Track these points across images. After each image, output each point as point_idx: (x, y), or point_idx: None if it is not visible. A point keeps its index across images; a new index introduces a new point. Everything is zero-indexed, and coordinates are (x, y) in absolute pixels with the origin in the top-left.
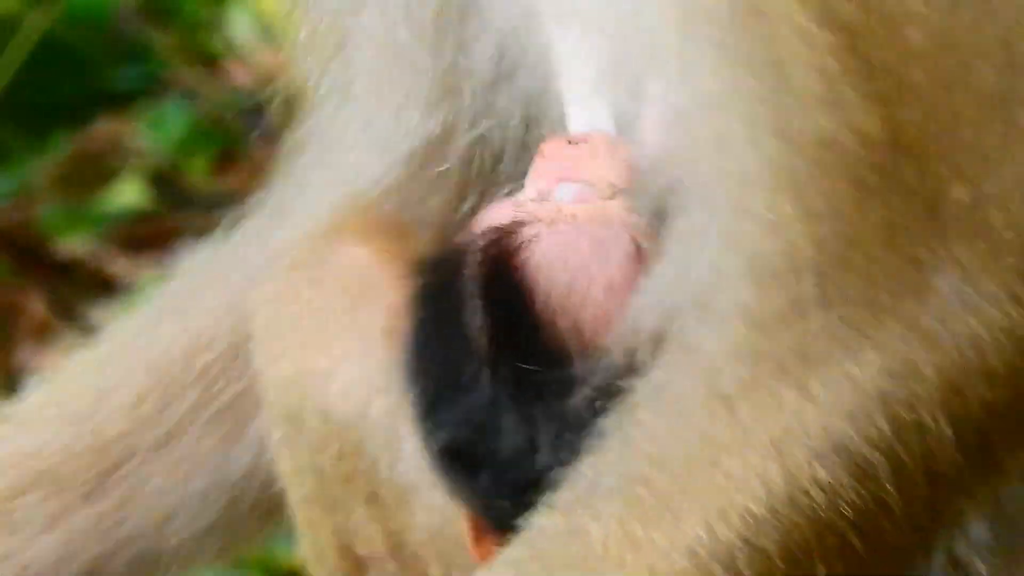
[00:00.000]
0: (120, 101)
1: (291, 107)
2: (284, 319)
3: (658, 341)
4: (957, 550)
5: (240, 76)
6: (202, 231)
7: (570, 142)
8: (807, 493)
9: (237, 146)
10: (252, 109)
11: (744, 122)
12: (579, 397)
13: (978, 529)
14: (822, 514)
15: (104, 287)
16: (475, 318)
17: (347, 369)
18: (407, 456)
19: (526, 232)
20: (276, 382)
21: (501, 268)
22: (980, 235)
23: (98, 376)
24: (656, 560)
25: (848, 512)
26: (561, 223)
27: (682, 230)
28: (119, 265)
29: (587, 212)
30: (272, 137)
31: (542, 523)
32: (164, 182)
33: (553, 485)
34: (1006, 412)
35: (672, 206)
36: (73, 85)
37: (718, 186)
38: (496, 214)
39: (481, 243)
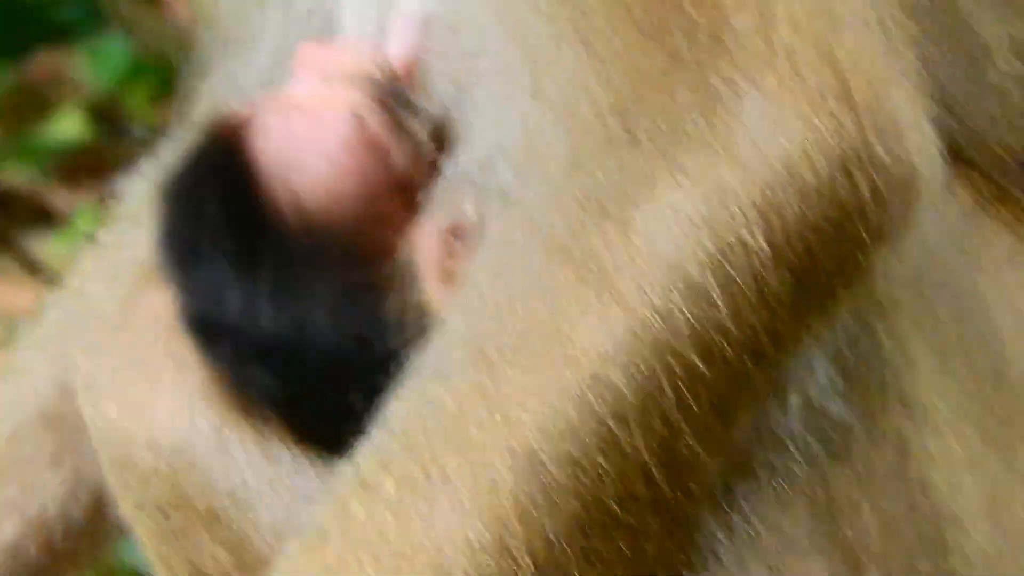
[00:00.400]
0: (61, 34)
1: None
2: (102, 368)
3: (483, 202)
4: (811, 394)
5: (180, 11)
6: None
7: (321, 44)
8: (646, 324)
9: (176, 81)
10: (192, 44)
11: None
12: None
13: (829, 372)
14: (665, 341)
15: (43, 218)
16: (210, 201)
17: (167, 396)
18: (239, 461)
19: (256, 120)
20: (102, 428)
21: (233, 153)
22: (775, 56)
23: (75, 306)
24: (509, 409)
25: (689, 337)
26: (285, 110)
27: (481, 97)
28: (59, 196)
29: (313, 98)
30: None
31: (394, 405)
32: (104, 115)
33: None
34: (828, 229)
35: (453, 88)
36: (13, 18)
37: (506, 50)
38: (251, 102)
39: (216, 132)
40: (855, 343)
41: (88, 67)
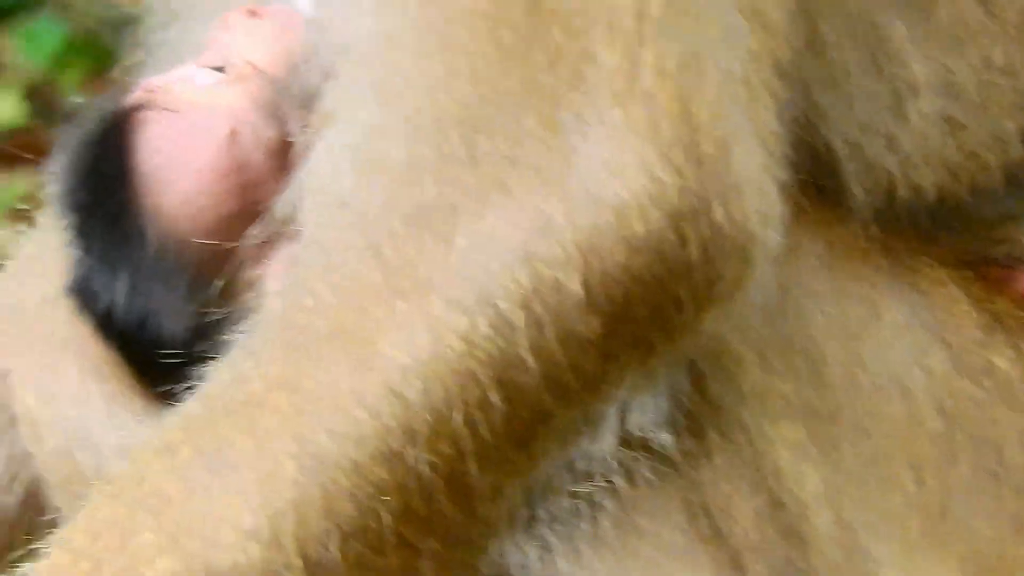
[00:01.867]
0: None
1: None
2: (20, 360)
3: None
4: (630, 425)
5: None
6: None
7: (252, 14)
8: (448, 344)
9: (111, 61)
10: (126, 24)
11: None
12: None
13: (658, 404)
14: (464, 367)
15: None
16: (92, 189)
17: (68, 377)
18: (130, 428)
19: (140, 115)
20: (23, 416)
21: (116, 144)
22: (633, 100)
23: (11, 292)
24: (305, 402)
25: (488, 366)
26: (168, 109)
27: (337, 97)
28: None
29: (197, 98)
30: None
31: (211, 376)
32: (38, 96)
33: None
34: (650, 283)
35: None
36: None
37: (370, 50)
38: (140, 88)
39: (105, 120)
40: (686, 371)
41: (22, 48)
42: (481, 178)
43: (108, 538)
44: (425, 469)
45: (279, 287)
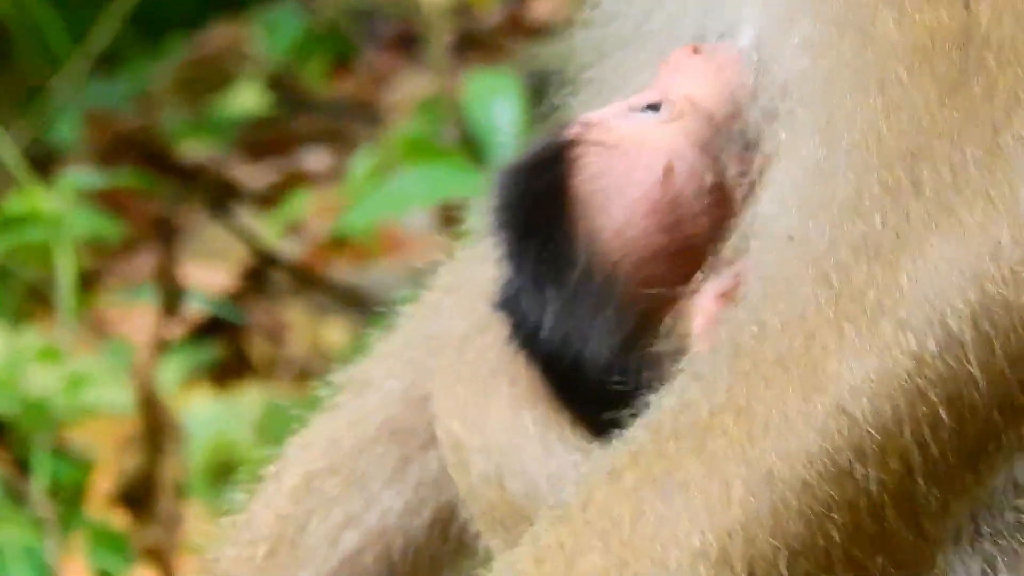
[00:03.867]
0: (235, 6)
1: (402, 11)
2: (447, 388)
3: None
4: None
5: None
6: (320, 136)
7: (696, 51)
8: (898, 363)
9: (351, 51)
10: (365, 14)
11: (830, 26)
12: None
13: None
14: (914, 385)
15: (228, 192)
16: (527, 213)
17: (498, 406)
18: (559, 454)
19: (577, 150)
20: (446, 442)
21: (554, 171)
22: None
23: (430, 321)
24: (754, 426)
25: (938, 385)
26: (605, 143)
27: (779, 137)
28: (241, 171)
29: (634, 134)
30: (385, 42)
31: (655, 401)
32: (281, 88)
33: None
34: None
35: (773, 119)
36: None
37: (809, 90)
38: (584, 120)
39: (541, 157)
40: None
41: (263, 39)
42: (927, 206)
43: (554, 561)
44: (874, 487)
45: (716, 322)
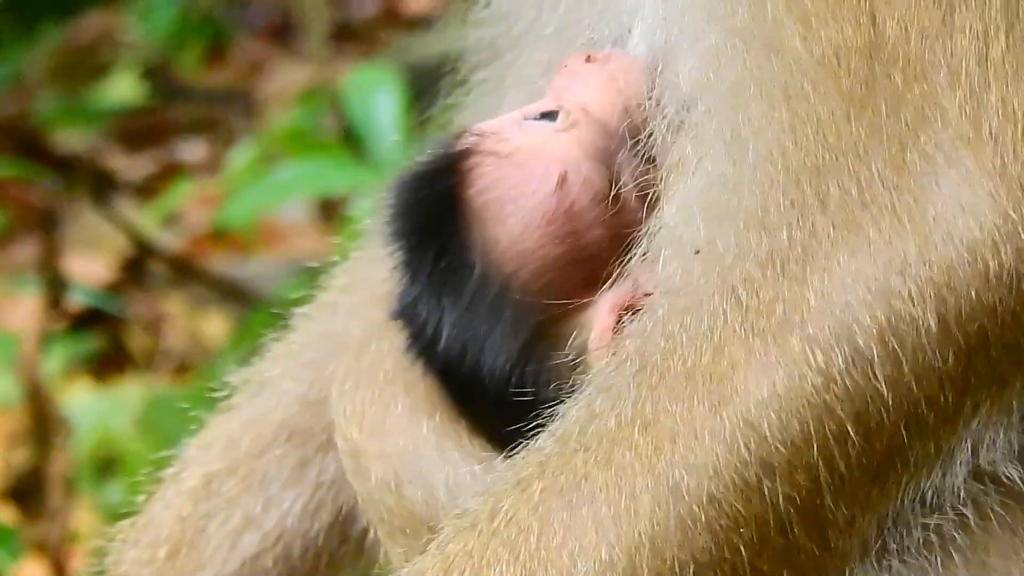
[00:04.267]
0: None
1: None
2: (346, 394)
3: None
4: (982, 459)
5: None
6: (197, 126)
7: (589, 59)
8: (805, 378)
9: (227, 39)
10: (240, 2)
11: (736, 39)
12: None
13: (1009, 438)
14: (821, 401)
15: (106, 183)
16: (422, 221)
17: (395, 411)
18: (455, 461)
19: (471, 160)
20: (344, 449)
21: (448, 181)
22: (980, 140)
23: (327, 322)
24: (662, 439)
25: (845, 402)
26: (499, 153)
27: (685, 148)
28: (118, 161)
29: (529, 144)
30: (260, 30)
31: (565, 413)
32: (156, 76)
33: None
34: (1004, 316)
35: (673, 127)
36: None
37: (715, 102)
38: (478, 130)
39: (437, 166)
40: None
41: (137, 27)
42: (833, 221)
43: (461, 570)
44: (781, 501)
45: (615, 333)
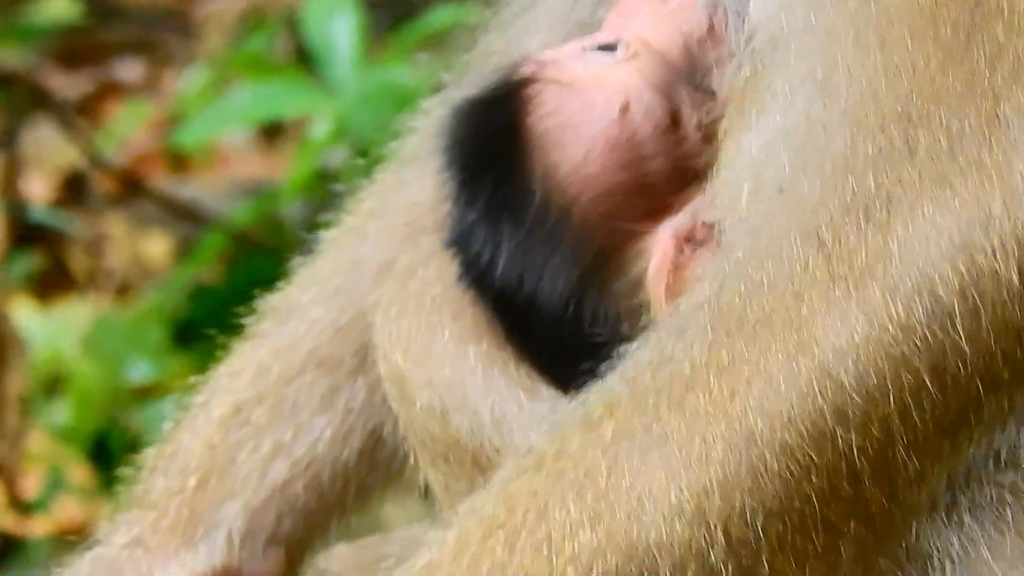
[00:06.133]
0: None
1: None
2: (390, 320)
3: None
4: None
5: None
6: (133, 47)
7: None
8: (885, 328)
9: None
10: None
11: None
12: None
13: None
14: (900, 353)
15: (43, 101)
16: (481, 152)
17: (442, 339)
18: (502, 392)
19: (532, 88)
20: (389, 374)
21: (509, 108)
22: None
23: (354, 247)
24: (737, 384)
25: (924, 353)
26: (561, 84)
27: (772, 86)
28: (55, 80)
29: (591, 73)
30: None
31: (635, 353)
32: None
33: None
34: None
35: (746, 73)
36: None
37: (808, 43)
38: (539, 59)
39: (497, 93)
40: None
41: None
42: (920, 171)
43: (525, 509)
44: (855, 452)
45: (702, 272)
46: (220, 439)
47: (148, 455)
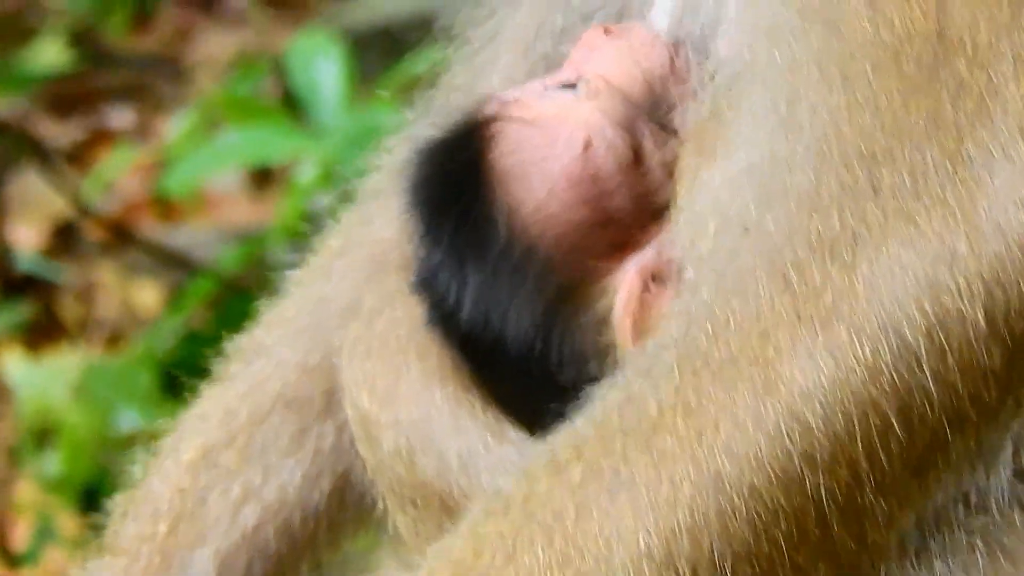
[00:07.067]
0: None
1: None
2: (355, 361)
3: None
4: None
5: None
6: (125, 93)
7: (607, 32)
8: (852, 369)
9: (152, 5)
10: None
11: (797, 15)
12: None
13: None
14: (866, 394)
15: (34, 149)
16: (443, 188)
17: (409, 379)
18: (470, 434)
19: (495, 127)
20: (354, 417)
21: (471, 147)
22: None
23: (320, 286)
24: (704, 425)
25: (890, 395)
26: (522, 121)
27: (736, 123)
28: (46, 127)
29: (552, 111)
30: None
31: (602, 394)
32: (83, 42)
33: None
34: None
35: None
36: None
37: (771, 79)
38: (501, 98)
39: (459, 132)
40: None
41: None
42: (885, 209)
43: (493, 552)
44: (822, 494)
45: (668, 312)
46: (190, 483)
47: (119, 500)
